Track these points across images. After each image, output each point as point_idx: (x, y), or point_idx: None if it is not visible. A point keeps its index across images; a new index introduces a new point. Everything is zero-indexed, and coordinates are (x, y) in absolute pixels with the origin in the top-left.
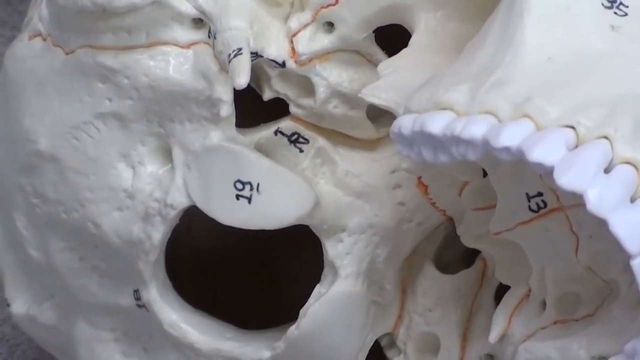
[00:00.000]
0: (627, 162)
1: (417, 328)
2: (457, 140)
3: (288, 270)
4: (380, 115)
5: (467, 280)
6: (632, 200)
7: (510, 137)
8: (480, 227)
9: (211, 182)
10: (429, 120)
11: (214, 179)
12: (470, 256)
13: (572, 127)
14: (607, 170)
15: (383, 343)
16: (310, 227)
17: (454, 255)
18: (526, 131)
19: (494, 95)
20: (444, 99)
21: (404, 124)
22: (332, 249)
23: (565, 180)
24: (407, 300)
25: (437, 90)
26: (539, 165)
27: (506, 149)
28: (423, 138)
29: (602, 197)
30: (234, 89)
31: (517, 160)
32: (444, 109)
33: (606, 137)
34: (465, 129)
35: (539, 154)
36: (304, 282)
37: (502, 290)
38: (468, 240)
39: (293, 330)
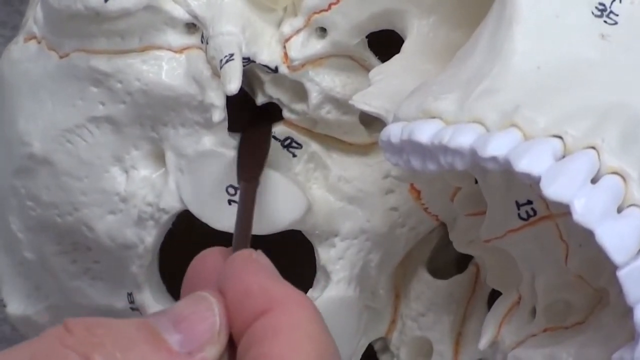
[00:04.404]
0: (614, 173)
1: (410, 333)
2: (444, 149)
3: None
4: (373, 121)
5: (460, 285)
6: (619, 210)
7: (497, 146)
8: (472, 233)
9: (203, 187)
10: (417, 129)
11: (207, 184)
12: (463, 261)
13: (560, 137)
14: (594, 181)
15: (377, 347)
16: (303, 232)
17: (447, 260)
18: (513, 141)
19: (482, 104)
20: (432, 107)
21: (393, 132)
22: (325, 254)
23: (552, 190)
24: (401, 304)
25: (426, 99)
26: (526, 175)
27: (493, 159)
28: (411, 146)
29: (588, 207)
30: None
31: (505, 170)
32: (433, 117)
33: (593, 147)
34: (453, 138)
35: (525, 164)
36: (297, 286)
37: (495, 296)
38: (460, 246)
39: None
